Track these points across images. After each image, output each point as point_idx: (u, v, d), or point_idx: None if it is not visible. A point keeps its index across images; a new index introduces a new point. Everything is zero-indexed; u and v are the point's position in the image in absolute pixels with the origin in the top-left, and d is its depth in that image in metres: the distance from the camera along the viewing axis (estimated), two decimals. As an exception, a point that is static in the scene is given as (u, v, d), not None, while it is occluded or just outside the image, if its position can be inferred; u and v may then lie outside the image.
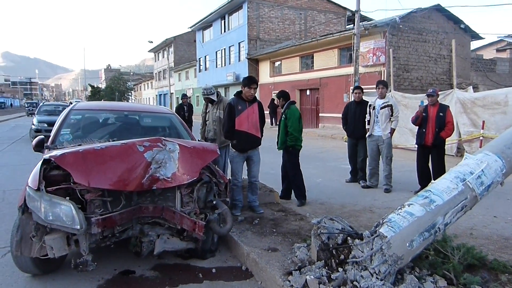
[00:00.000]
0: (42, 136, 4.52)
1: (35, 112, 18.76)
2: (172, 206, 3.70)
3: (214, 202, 3.87)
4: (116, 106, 6.23)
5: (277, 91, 6.63)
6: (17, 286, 3.51)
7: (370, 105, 7.22)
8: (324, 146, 14.83)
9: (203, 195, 3.89)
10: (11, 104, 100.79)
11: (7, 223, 5.21)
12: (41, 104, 22.09)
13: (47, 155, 3.55)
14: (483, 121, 10.70)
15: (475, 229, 4.91)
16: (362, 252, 3.18)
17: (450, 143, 11.34)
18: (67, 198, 3.32)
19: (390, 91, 14.66)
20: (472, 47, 24.23)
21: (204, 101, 6.88)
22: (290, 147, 6.15)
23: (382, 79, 16.19)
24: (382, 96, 7.12)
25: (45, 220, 3.16)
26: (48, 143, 4.46)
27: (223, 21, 35.09)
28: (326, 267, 3.31)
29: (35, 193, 3.22)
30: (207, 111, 6.68)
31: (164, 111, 6.10)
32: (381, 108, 6.97)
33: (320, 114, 23.14)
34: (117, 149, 3.60)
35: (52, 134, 4.68)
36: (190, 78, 46.37)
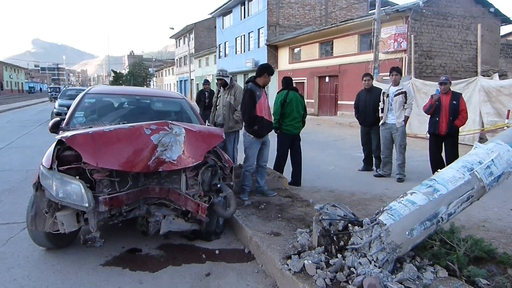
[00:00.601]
0: (58, 118, 4.73)
1: (58, 97, 19.45)
2: (177, 188, 3.79)
3: (219, 186, 3.94)
4: (128, 91, 6.35)
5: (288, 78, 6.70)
6: (32, 258, 3.70)
7: (384, 93, 7.12)
8: (341, 134, 14.74)
9: (208, 179, 3.96)
10: (40, 89, 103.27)
11: (28, 200, 5.43)
12: (64, 89, 23.57)
13: (60, 136, 3.70)
14: (509, 110, 10.34)
15: (488, 222, 4.84)
16: (361, 239, 3.19)
17: (472, 133, 11.11)
18: (77, 177, 3.44)
19: (411, 78, 14.37)
20: (502, 32, 23.32)
21: (216, 86, 6.91)
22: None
23: (399, 66, 15.91)
24: (396, 83, 7.01)
25: (56, 197, 3.32)
26: (63, 125, 4.63)
27: (243, 7, 34.89)
28: (326, 253, 3.35)
29: (48, 171, 3.37)
30: (218, 95, 6.72)
31: (174, 96, 6.19)
32: (395, 95, 6.86)
33: (338, 102, 22.94)
34: (125, 132, 3.70)
35: (67, 116, 4.86)
36: (210, 64, 46.45)
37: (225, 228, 4.44)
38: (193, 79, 52.56)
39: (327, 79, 24.54)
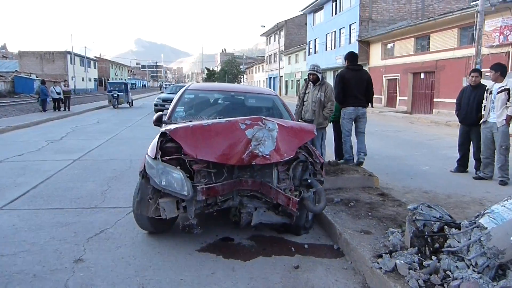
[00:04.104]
0: (161, 113, 5.13)
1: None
2: (269, 182, 3.91)
3: (309, 181, 4.00)
4: (224, 87, 6.65)
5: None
6: (136, 240, 4.09)
7: (487, 89, 6.61)
8: (436, 133, 13.92)
9: (299, 174, 4.04)
10: (144, 85, 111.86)
11: (133, 187, 5.93)
12: (162, 84, 28.66)
13: (163, 129, 4.03)
14: None
15: None
16: (458, 242, 3.06)
17: None
18: (178, 167, 3.72)
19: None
20: None
21: (304, 82, 6.97)
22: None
23: (506, 61, 14.58)
24: (495, 81, 6.45)
25: (159, 185, 3.62)
26: (165, 119, 5.01)
27: (334, 3, 34.42)
28: (419, 254, 3.25)
29: (153, 161, 3.69)
30: (307, 91, 6.74)
31: (267, 92, 6.36)
32: (498, 92, 6.32)
33: (434, 99, 21.67)
34: (221, 126, 3.92)
35: (169, 111, 5.27)
36: (300, 61, 46.52)
37: (313, 223, 4.48)
38: (282, 76, 53.03)
39: (422, 76, 23.29)
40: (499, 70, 6.38)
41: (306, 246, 4.01)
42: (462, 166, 7.35)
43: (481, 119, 6.80)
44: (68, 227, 4.37)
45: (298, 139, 4.04)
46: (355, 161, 6.77)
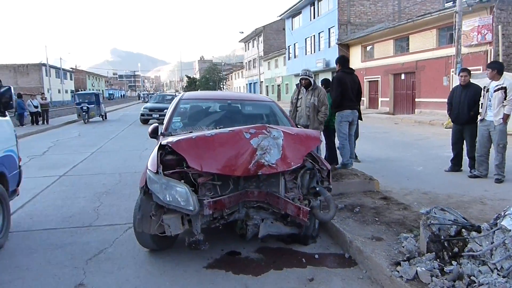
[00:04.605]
0: (157, 124, 4.93)
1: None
2: (276, 192, 3.77)
3: (317, 189, 3.87)
4: (219, 95, 6.51)
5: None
6: (139, 259, 3.88)
7: (484, 87, 6.62)
8: (422, 133, 14.02)
9: (306, 182, 3.91)
10: (123, 95, 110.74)
11: (126, 202, 5.76)
12: (140, 93, 28.59)
13: (164, 141, 3.85)
14: None
15: None
16: (480, 245, 2.97)
17: None
18: (182, 181, 3.54)
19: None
20: None
21: (296, 87, 6.91)
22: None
23: (484, 59, 14.84)
24: (491, 79, 6.48)
25: (163, 201, 3.42)
26: (163, 130, 4.81)
27: (312, 7, 34.64)
28: (438, 260, 3.15)
29: (155, 175, 3.50)
30: (299, 97, 6.69)
31: (263, 99, 6.23)
32: (495, 91, 6.34)
33: (416, 99, 21.91)
34: (225, 136, 3.76)
35: (165, 122, 5.05)
36: (280, 66, 46.65)
37: (320, 231, 4.35)
38: (262, 81, 53.10)
39: (403, 76, 23.57)
40: (496, 68, 6.39)
41: (316, 256, 3.87)
42: (456, 165, 7.35)
43: (473, 117, 6.83)
44: (63, 249, 4.13)
45: (304, 147, 3.91)
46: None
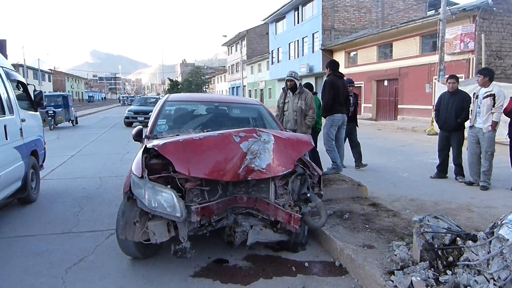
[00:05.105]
0: (141, 127, 4.72)
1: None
2: (266, 198, 3.65)
3: (308, 195, 3.77)
4: (205, 98, 6.37)
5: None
6: (122, 268, 3.69)
7: (474, 93, 6.64)
8: (406, 139, 14.10)
9: (297, 188, 3.81)
10: (104, 98, 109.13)
11: (107, 207, 5.56)
12: (119, 96, 28.14)
13: (149, 144, 3.67)
14: None
15: None
16: (476, 255, 2.90)
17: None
18: (169, 186, 3.38)
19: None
20: None
21: (282, 90, 6.80)
22: None
23: (466, 67, 15.03)
24: (482, 86, 6.50)
25: (148, 207, 3.26)
26: (147, 133, 4.63)
27: (296, 12, 34.75)
28: (432, 269, 3.08)
29: (140, 180, 3.32)
30: (286, 101, 6.60)
31: (251, 102, 6.12)
32: (484, 97, 6.36)
33: (398, 106, 22.13)
34: (214, 139, 3.63)
35: (149, 124, 4.86)
36: (263, 70, 46.65)
37: (308, 239, 4.25)
38: (245, 86, 53.04)
39: (386, 83, 23.79)
40: (488, 75, 6.39)
41: (306, 264, 3.76)
42: (441, 171, 7.36)
43: (460, 124, 6.85)
44: (41, 256, 3.92)
45: (295, 151, 3.81)
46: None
